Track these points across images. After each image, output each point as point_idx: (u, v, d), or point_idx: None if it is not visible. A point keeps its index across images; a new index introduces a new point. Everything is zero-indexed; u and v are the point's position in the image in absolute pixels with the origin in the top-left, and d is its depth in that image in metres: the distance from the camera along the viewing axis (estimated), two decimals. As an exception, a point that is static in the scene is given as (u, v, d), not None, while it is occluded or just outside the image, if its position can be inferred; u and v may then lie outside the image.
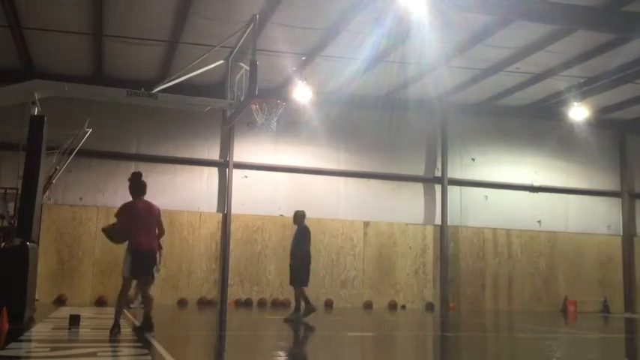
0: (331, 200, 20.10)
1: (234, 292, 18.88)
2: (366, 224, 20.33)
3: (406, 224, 20.70)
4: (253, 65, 11.08)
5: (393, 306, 19.81)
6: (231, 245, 19.03)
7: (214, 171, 19.50)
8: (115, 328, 8.46)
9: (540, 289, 21.51)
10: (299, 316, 12.37)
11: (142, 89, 12.00)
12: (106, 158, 18.50)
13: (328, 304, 19.18)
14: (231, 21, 13.85)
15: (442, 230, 20.79)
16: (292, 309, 13.33)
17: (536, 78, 18.47)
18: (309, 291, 13.04)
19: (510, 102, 20.82)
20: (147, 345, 7.57)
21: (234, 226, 19.14)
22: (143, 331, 8.65)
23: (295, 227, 12.94)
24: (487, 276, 21.10)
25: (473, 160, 21.60)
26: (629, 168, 22.81)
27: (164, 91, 12.27)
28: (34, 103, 11.09)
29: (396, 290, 20.22)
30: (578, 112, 19.84)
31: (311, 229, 12.90)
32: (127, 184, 9.31)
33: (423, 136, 21.33)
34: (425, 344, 10.38)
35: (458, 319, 16.09)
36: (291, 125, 18.70)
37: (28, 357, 6.73)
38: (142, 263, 8.77)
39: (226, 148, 19.48)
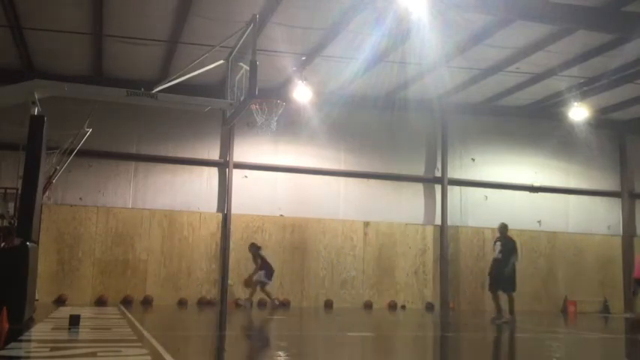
0: (331, 200, 20.09)
1: (234, 292, 18.88)
2: (366, 224, 20.32)
3: (406, 224, 20.70)
4: (253, 65, 11.06)
5: (393, 306, 19.81)
6: (231, 245, 19.03)
7: (214, 171, 19.50)
8: None
9: (540, 289, 21.49)
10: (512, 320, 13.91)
11: (142, 89, 12.00)
12: (106, 158, 18.46)
13: (328, 304, 19.17)
14: (231, 21, 13.85)
15: (442, 230, 20.79)
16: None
17: (536, 78, 18.46)
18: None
19: (510, 102, 20.81)
20: (147, 345, 7.57)
21: (234, 226, 19.14)
22: None
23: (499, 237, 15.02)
24: (487, 276, 21.03)
25: (473, 160, 21.60)
26: (629, 168, 22.80)
27: (164, 91, 12.26)
28: (34, 103, 11.08)
29: (396, 290, 20.21)
30: (578, 113, 19.85)
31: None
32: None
33: (423, 136, 21.33)
34: (425, 344, 10.37)
35: (458, 319, 16.09)
36: (291, 125, 18.69)
37: (28, 357, 6.72)
38: None
39: (226, 148, 19.48)
